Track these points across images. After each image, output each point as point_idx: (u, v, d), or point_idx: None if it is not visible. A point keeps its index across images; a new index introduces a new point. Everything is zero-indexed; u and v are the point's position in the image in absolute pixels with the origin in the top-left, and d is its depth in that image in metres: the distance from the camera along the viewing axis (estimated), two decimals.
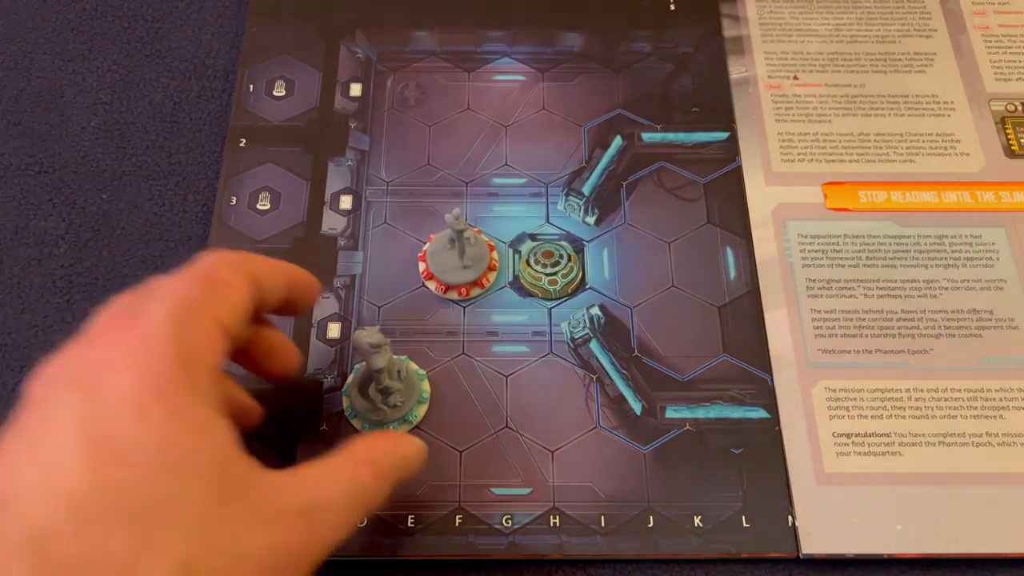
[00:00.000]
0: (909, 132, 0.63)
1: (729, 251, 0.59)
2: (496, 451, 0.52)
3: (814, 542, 0.50)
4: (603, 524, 0.50)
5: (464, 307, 0.57)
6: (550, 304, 0.57)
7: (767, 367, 0.55)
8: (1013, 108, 0.64)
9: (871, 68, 0.66)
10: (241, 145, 0.63)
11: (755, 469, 0.52)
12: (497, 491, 0.51)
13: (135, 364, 0.36)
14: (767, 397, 0.54)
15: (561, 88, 0.66)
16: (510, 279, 0.58)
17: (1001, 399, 0.54)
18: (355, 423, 0.53)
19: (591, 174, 0.62)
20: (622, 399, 0.54)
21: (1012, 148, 0.63)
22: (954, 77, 0.66)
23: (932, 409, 0.53)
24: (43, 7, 0.70)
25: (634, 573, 0.50)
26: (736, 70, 0.66)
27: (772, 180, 0.61)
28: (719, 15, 0.69)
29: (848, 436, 0.52)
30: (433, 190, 0.61)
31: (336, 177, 0.62)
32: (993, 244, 0.59)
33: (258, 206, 0.60)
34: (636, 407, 0.54)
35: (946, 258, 0.58)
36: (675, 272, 0.58)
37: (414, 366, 0.54)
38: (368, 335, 0.48)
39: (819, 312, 0.56)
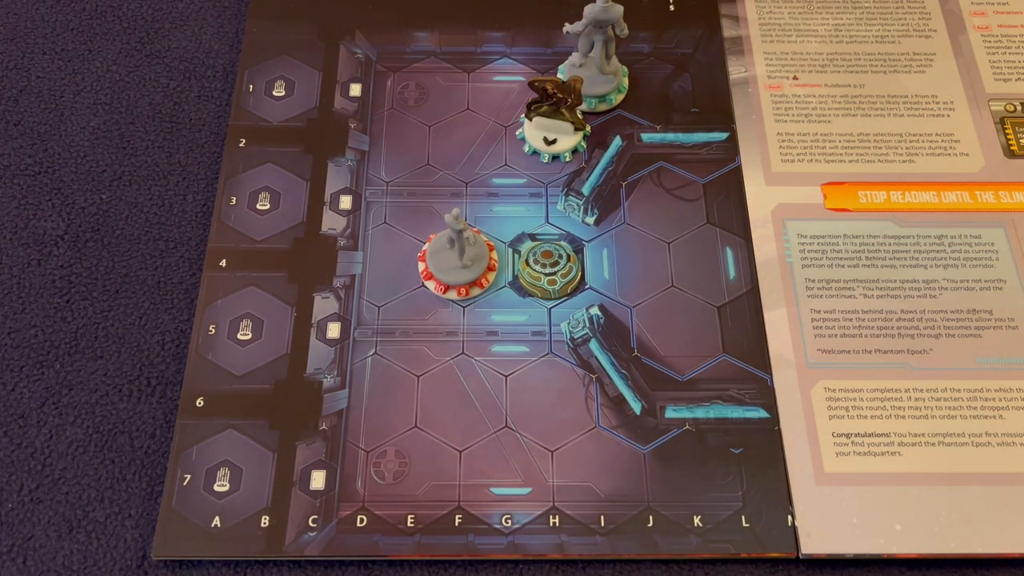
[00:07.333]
0: (909, 132, 0.63)
1: (729, 251, 0.59)
2: (496, 451, 0.52)
3: (814, 542, 0.50)
4: (603, 524, 0.50)
5: (464, 307, 0.57)
6: (550, 304, 0.57)
7: (767, 367, 0.55)
8: (1013, 108, 0.64)
9: (871, 68, 0.66)
10: (241, 145, 0.63)
11: (755, 469, 0.52)
12: (497, 491, 0.51)
13: None
14: (767, 397, 0.54)
15: None
16: (510, 279, 0.58)
17: (1000, 399, 0.54)
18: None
19: (591, 174, 0.62)
20: (622, 399, 0.54)
21: (1012, 148, 0.63)
22: (954, 77, 0.66)
23: (932, 409, 0.53)
24: (43, 7, 0.70)
25: (634, 573, 0.50)
26: (736, 70, 0.66)
27: (772, 180, 0.61)
28: (719, 15, 0.69)
29: (847, 436, 0.52)
30: (433, 190, 0.61)
31: (336, 177, 0.62)
32: (992, 244, 0.59)
33: (258, 206, 0.60)
34: (636, 407, 0.54)
35: (946, 258, 0.58)
36: (675, 272, 0.58)
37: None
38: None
39: (819, 312, 0.56)
